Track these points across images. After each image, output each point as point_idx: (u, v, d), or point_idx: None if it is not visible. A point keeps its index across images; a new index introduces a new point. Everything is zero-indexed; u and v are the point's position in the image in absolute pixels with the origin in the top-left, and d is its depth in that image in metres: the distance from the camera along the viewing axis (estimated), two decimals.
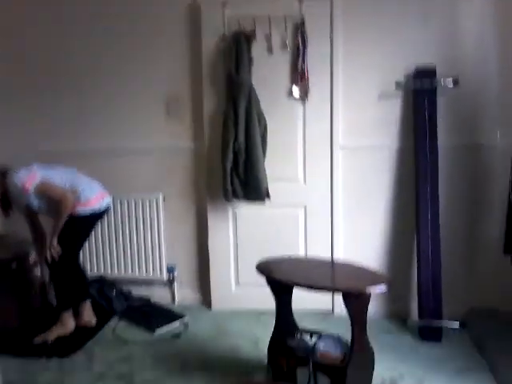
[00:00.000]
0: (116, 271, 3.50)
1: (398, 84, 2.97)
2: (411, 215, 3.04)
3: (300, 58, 3.05)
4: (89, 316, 3.07)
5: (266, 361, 2.42)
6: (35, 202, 2.84)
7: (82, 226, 2.96)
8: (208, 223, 3.33)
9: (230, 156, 3.05)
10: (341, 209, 3.19)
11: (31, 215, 3.03)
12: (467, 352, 2.67)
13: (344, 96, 3.11)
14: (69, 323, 2.95)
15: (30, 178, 2.77)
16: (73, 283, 2.97)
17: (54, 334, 2.89)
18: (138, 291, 3.49)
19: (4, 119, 3.50)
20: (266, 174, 3.05)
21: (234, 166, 3.07)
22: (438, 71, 2.92)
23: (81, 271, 3.11)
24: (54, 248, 2.81)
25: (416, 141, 2.96)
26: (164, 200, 3.40)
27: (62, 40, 3.41)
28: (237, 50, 3.03)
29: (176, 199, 3.42)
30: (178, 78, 3.31)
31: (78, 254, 3.08)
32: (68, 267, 2.93)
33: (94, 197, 2.91)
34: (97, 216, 2.98)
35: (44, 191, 2.80)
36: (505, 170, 2.85)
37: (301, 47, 3.04)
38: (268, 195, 3.07)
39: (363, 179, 3.15)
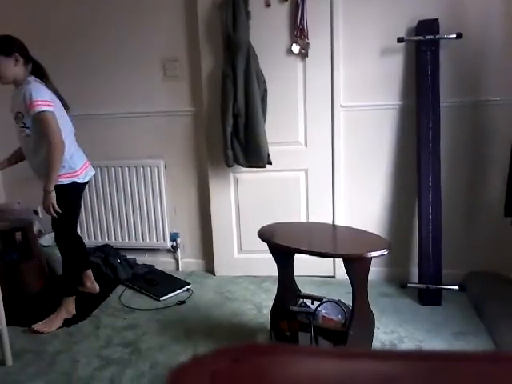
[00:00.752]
0: (120, 239, 3.55)
1: (400, 38, 2.89)
2: (413, 177, 3.03)
3: (299, 12, 2.97)
4: (91, 283, 3.11)
5: (268, 325, 2.47)
6: (28, 122, 2.54)
7: (70, 196, 2.72)
8: (209, 189, 3.34)
9: (230, 119, 3.01)
10: (342, 172, 3.18)
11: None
12: (466, 315, 2.72)
13: (345, 52, 3.05)
14: (71, 309, 2.85)
15: (45, 100, 2.48)
16: (73, 260, 2.85)
17: (57, 322, 2.76)
18: (142, 259, 3.54)
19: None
20: (266, 139, 3.02)
21: (234, 130, 3.04)
22: (441, 25, 2.85)
23: (79, 244, 2.95)
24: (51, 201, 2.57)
25: (418, 98, 2.92)
26: (165, 167, 3.40)
27: (61, 2, 3.35)
28: (233, 4, 2.95)
29: (177, 165, 3.42)
30: (174, 37, 3.25)
31: (72, 226, 2.84)
32: (65, 242, 2.81)
33: (81, 166, 2.73)
34: (80, 187, 2.77)
35: (46, 122, 2.48)
36: (508, 128, 2.83)
37: (299, 0, 2.96)
38: (269, 161, 3.06)
39: (364, 140, 3.12)
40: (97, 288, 3.13)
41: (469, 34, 2.85)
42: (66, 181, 2.66)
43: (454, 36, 2.81)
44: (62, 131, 2.55)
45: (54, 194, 2.57)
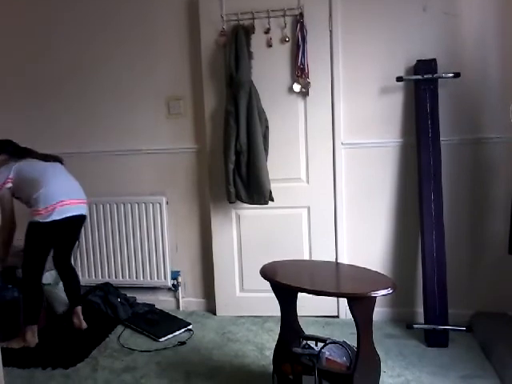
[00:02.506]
0: (120, 277, 3.51)
1: (399, 77, 2.94)
2: (415, 214, 3.01)
3: (300, 52, 3.03)
4: (78, 320, 3.09)
5: (271, 368, 2.40)
6: None
7: (36, 234, 2.85)
8: (211, 226, 3.32)
9: (232, 156, 3.03)
10: (344, 209, 3.17)
11: None
12: (474, 357, 2.64)
13: (345, 91, 3.09)
14: (30, 339, 2.89)
15: (1, 183, 2.85)
16: (32, 299, 2.90)
17: (14, 345, 2.88)
18: (142, 298, 3.48)
19: (6, 124, 3.52)
20: (268, 176, 3.03)
21: (236, 167, 3.06)
22: (439, 64, 2.90)
23: (37, 291, 2.93)
24: None
25: (418, 136, 2.94)
26: (167, 203, 3.40)
27: (62, 43, 3.46)
28: (236, 44, 3.02)
29: (179, 202, 3.42)
30: (178, 76, 3.32)
31: (36, 267, 2.91)
32: (28, 280, 2.89)
33: (47, 206, 2.82)
34: (49, 227, 2.83)
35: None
36: (508, 165, 2.83)
37: (300, 41, 3.02)
38: (271, 197, 3.06)
39: (366, 177, 3.12)
40: (83, 325, 3.09)
41: (467, 72, 2.90)
42: (34, 218, 2.83)
43: (452, 75, 2.85)
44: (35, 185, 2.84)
45: None
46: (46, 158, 3.01)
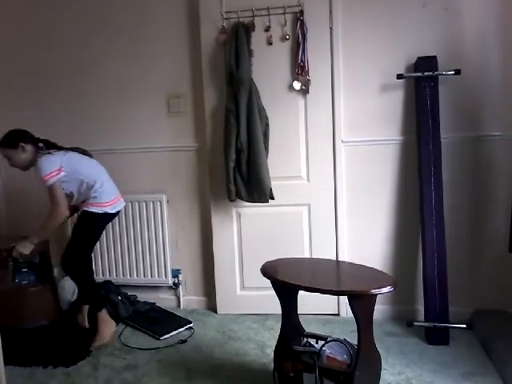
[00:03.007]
0: (121, 276, 3.51)
1: (399, 75, 2.93)
2: (415, 212, 3.01)
3: (300, 50, 3.03)
4: (82, 319, 3.09)
5: (272, 366, 2.40)
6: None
7: (95, 224, 2.95)
8: (212, 224, 3.32)
9: (233, 154, 3.03)
10: (345, 207, 3.17)
11: None
12: (475, 355, 2.65)
13: (345, 88, 3.08)
14: (105, 331, 2.96)
15: (51, 174, 2.77)
16: (91, 286, 3.01)
17: (106, 334, 2.96)
18: (143, 296, 3.48)
19: (6, 125, 3.51)
20: (269, 174, 3.03)
21: (236, 165, 3.06)
22: (440, 61, 2.89)
23: (93, 279, 3.08)
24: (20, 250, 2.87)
25: (418, 133, 2.93)
26: (168, 202, 3.40)
27: (61, 42, 3.45)
28: (236, 42, 3.01)
29: (180, 200, 3.42)
30: (178, 74, 3.32)
31: (88, 255, 3.02)
32: (80, 268, 2.94)
33: (111, 198, 2.95)
34: (108, 217, 2.98)
35: (50, 192, 2.81)
36: (509, 163, 2.82)
37: (300, 38, 3.02)
38: (272, 195, 3.06)
39: (366, 175, 3.12)
40: (86, 325, 3.08)
41: (467, 69, 2.89)
42: (94, 209, 2.88)
43: (453, 72, 2.85)
44: (86, 180, 2.88)
45: (31, 247, 2.89)
46: (85, 152, 3.05)
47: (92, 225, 2.94)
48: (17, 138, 2.87)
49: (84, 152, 3.04)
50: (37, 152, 2.90)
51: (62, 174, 2.81)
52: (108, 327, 2.97)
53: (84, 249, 2.96)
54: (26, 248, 2.88)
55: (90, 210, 2.88)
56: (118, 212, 3.03)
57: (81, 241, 2.92)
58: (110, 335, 2.97)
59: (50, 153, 2.86)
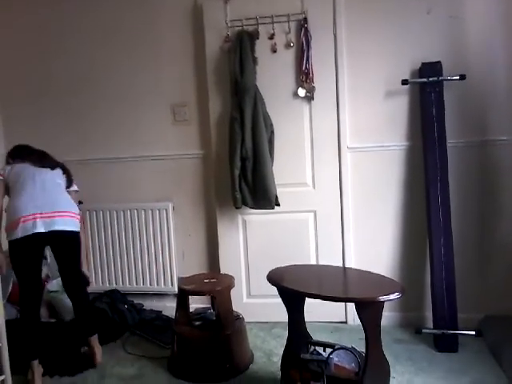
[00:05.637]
0: (127, 284, 3.51)
1: (404, 80, 2.93)
2: (422, 217, 2.99)
3: (304, 57, 3.04)
4: (99, 352, 2.81)
5: (279, 374, 2.39)
6: None
7: (12, 254, 2.56)
8: (218, 232, 3.31)
9: (238, 162, 3.04)
10: (351, 213, 3.16)
11: None
12: (484, 362, 2.62)
13: (350, 95, 3.09)
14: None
15: None
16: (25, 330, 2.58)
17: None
18: (149, 304, 3.48)
19: (19, 135, 3.54)
20: (274, 181, 3.03)
21: (242, 173, 3.06)
22: (444, 67, 2.89)
23: (29, 322, 2.59)
24: None
25: (424, 139, 2.93)
26: (174, 209, 3.40)
27: (70, 52, 3.49)
28: (241, 50, 3.03)
29: (186, 208, 3.42)
30: (183, 83, 3.34)
31: (22, 293, 2.58)
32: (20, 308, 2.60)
33: (12, 221, 2.54)
34: (19, 244, 2.51)
35: None
36: None
37: (305, 46, 3.03)
38: (277, 202, 3.05)
39: (372, 181, 3.11)
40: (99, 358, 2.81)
41: (472, 74, 2.88)
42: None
43: (458, 77, 2.84)
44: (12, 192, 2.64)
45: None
46: (43, 162, 2.77)
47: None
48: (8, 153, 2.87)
49: (43, 163, 2.76)
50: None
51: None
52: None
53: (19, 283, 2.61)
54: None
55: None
56: (33, 237, 2.50)
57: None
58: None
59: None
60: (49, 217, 2.56)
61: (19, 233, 2.50)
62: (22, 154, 2.83)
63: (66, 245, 2.67)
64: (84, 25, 3.44)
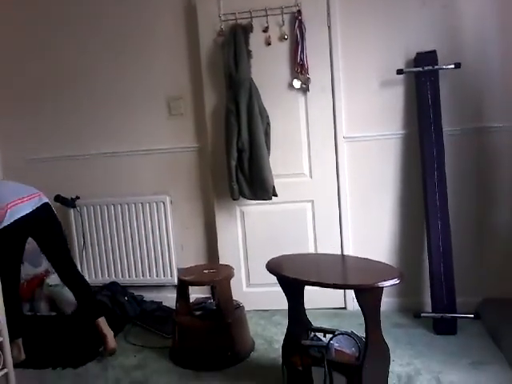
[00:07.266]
0: (127, 276, 3.53)
1: (399, 70, 2.93)
2: (420, 204, 3.02)
3: (299, 49, 3.04)
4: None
5: (280, 361, 2.41)
6: None
7: None
8: (216, 223, 3.33)
9: (235, 153, 3.04)
10: (348, 202, 3.18)
11: None
12: (483, 344, 2.65)
13: (345, 85, 3.10)
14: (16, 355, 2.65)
15: None
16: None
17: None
18: (149, 296, 3.50)
19: (10, 132, 3.54)
20: (271, 172, 3.04)
21: (238, 164, 3.07)
22: (439, 55, 2.90)
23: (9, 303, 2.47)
24: None
25: (420, 127, 2.94)
26: (171, 202, 3.41)
27: (60, 44, 3.47)
28: (235, 43, 3.03)
29: (183, 201, 3.44)
30: (178, 76, 3.33)
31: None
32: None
33: None
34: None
35: None
36: (511, 153, 2.83)
37: (299, 37, 3.03)
38: (275, 193, 3.07)
39: (369, 170, 3.13)
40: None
41: (467, 62, 2.90)
42: None
43: (453, 66, 2.85)
44: None
45: None
46: None
47: None
48: None
49: None
50: None
51: None
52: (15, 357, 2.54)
53: None
54: None
55: None
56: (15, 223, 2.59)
57: None
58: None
59: None
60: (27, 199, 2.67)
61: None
62: None
63: (42, 222, 2.73)
64: (76, 19, 3.42)
